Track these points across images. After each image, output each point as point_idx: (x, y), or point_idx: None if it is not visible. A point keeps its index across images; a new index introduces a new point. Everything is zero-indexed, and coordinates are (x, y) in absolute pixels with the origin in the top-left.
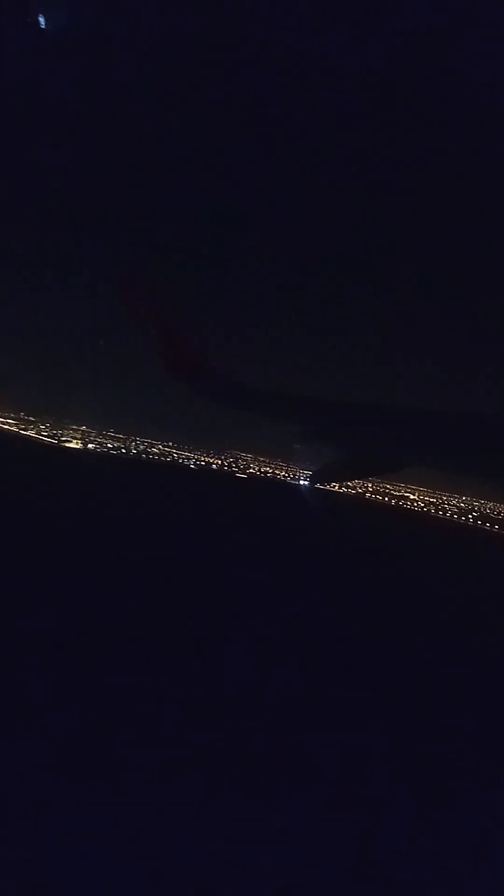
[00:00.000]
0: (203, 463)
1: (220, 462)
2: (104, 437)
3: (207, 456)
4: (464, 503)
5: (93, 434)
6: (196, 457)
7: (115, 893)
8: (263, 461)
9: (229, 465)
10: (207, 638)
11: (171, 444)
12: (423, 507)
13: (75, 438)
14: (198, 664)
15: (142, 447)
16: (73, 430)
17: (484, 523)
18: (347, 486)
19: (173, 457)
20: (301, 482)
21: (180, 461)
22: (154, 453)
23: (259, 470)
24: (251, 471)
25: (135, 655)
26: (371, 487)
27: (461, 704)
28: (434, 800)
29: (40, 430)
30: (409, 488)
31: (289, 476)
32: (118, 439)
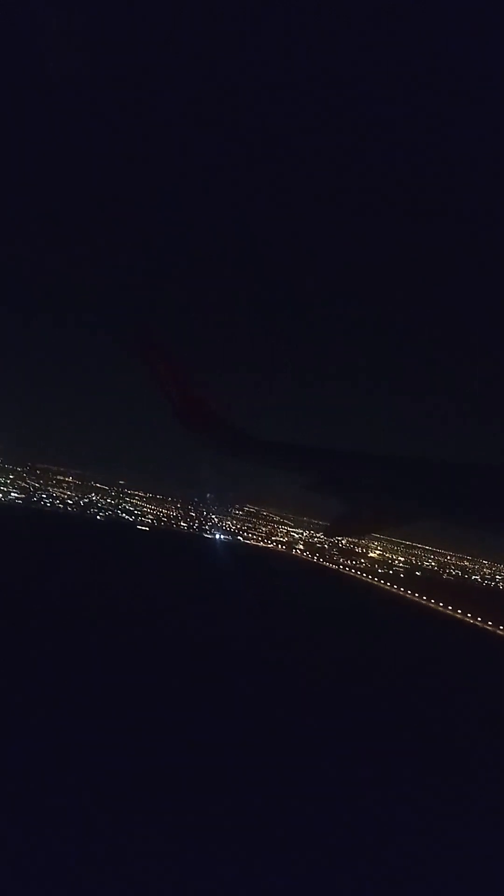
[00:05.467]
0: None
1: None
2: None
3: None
4: (434, 560)
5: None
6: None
7: None
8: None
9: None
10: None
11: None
12: (379, 568)
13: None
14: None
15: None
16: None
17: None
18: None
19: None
20: (218, 537)
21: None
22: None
23: (165, 521)
24: (149, 521)
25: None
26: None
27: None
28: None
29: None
30: (370, 538)
31: (201, 530)
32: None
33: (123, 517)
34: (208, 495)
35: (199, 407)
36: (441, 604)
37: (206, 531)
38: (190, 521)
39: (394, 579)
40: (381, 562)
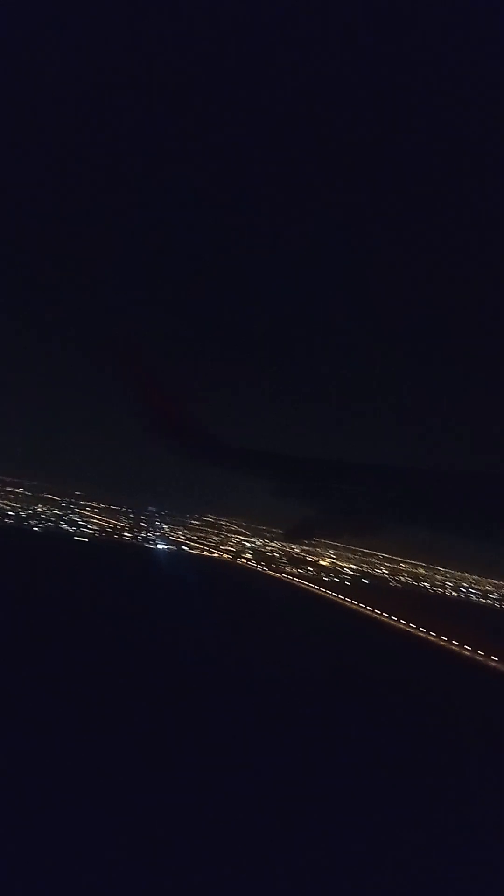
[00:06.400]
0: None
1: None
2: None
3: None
4: (385, 568)
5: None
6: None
7: None
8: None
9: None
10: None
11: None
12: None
13: None
14: None
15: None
16: None
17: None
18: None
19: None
20: (160, 546)
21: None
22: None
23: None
24: (91, 532)
25: None
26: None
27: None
28: None
29: None
30: (327, 546)
31: (146, 540)
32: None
33: (63, 528)
34: (157, 507)
35: (172, 414)
36: (373, 608)
37: (149, 541)
38: (136, 532)
39: (337, 587)
40: (331, 569)
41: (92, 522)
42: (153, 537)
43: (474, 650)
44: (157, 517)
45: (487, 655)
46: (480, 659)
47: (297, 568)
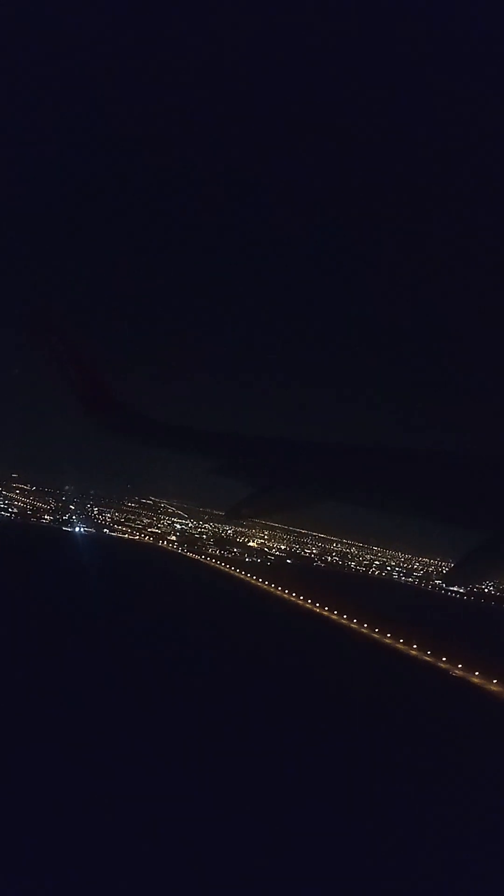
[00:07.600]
0: None
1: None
2: None
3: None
4: (315, 548)
5: None
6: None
7: None
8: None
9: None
10: None
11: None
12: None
13: None
14: None
15: None
16: None
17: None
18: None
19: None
20: (77, 529)
21: None
22: None
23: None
24: (7, 516)
25: None
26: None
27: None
28: None
29: None
30: (263, 527)
31: (67, 523)
32: None
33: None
34: (94, 490)
35: (99, 390)
36: (285, 590)
37: (69, 524)
38: (60, 514)
39: (256, 567)
40: (258, 550)
41: (15, 505)
42: (74, 520)
43: (360, 623)
44: (90, 500)
45: (371, 628)
46: (364, 631)
47: (220, 550)
